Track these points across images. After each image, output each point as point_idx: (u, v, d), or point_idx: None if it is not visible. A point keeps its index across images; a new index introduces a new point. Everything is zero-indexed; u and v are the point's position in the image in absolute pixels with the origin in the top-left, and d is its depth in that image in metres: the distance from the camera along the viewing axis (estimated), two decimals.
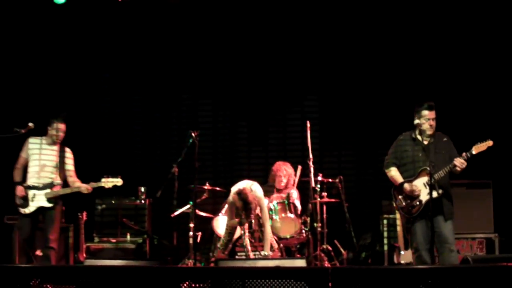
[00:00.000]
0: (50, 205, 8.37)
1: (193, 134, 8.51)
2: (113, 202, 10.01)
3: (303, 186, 9.72)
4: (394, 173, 7.67)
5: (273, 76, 11.02)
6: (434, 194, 7.23)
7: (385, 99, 10.66)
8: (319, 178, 9.24)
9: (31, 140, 8.56)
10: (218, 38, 11.10)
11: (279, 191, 9.49)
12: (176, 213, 9.33)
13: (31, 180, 8.43)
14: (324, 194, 9.30)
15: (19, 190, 8.40)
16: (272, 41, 10.99)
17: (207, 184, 9.69)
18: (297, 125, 10.71)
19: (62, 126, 8.59)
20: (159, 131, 11.29)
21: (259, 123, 11.12)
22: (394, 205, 7.72)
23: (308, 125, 9.24)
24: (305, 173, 9.45)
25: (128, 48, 11.29)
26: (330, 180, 9.42)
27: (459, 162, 7.25)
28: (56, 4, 10.46)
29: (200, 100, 11.25)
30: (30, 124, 8.22)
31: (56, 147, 8.58)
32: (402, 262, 8.78)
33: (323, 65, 10.92)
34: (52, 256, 8.31)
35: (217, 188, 9.81)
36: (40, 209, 8.40)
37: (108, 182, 8.47)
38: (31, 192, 8.39)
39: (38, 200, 8.38)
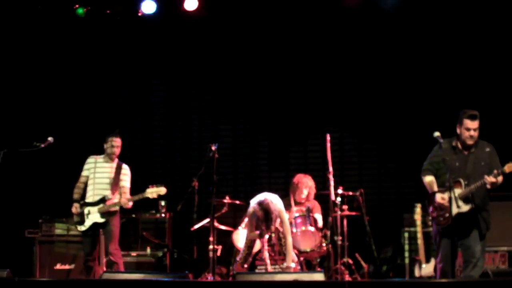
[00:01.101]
0: (102, 220, 8.39)
1: (212, 148, 8.50)
2: (133, 215, 10.02)
3: (323, 199, 9.67)
4: (429, 180, 7.40)
5: (293, 89, 11.00)
6: (465, 208, 7.05)
7: (407, 112, 10.59)
8: (340, 191, 9.20)
9: (89, 159, 8.70)
10: (240, 53, 11.16)
11: (299, 204, 9.45)
12: (196, 226, 9.33)
13: (88, 198, 8.53)
14: (345, 207, 9.26)
15: (74, 208, 8.49)
16: (293, 56, 11.00)
17: (227, 197, 9.69)
18: (317, 138, 10.65)
19: (117, 140, 8.66)
20: (179, 145, 11.33)
21: (280, 136, 11.09)
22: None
23: (328, 138, 9.22)
24: (325, 186, 9.41)
25: (149, 62, 11.38)
26: (350, 193, 9.38)
27: (489, 182, 7.00)
28: (77, 17, 10.57)
29: (220, 113, 11.26)
30: (50, 138, 8.30)
31: (113, 164, 8.65)
32: (423, 275, 8.68)
33: (344, 78, 10.88)
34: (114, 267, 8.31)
35: (237, 202, 9.80)
36: (95, 225, 8.43)
37: (153, 193, 8.46)
38: (86, 209, 8.46)
39: (93, 216, 8.43)
